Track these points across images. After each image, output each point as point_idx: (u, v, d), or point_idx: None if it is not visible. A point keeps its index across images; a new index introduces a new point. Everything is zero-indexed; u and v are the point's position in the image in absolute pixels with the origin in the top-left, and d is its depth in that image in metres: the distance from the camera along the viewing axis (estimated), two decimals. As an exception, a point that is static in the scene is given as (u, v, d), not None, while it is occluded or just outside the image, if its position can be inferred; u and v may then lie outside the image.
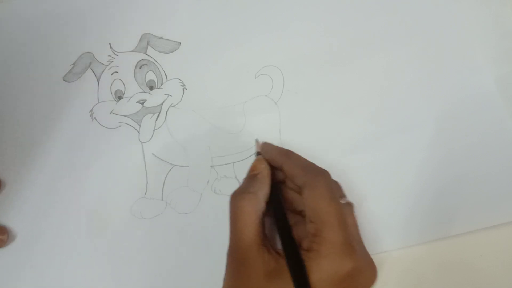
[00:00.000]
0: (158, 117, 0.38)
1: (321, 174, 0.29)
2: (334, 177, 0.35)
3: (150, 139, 0.37)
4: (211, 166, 0.36)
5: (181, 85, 0.38)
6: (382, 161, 0.36)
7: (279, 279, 0.27)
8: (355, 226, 0.30)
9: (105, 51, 0.40)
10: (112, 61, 0.39)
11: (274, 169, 0.32)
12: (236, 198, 0.29)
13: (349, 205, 0.31)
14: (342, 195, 0.32)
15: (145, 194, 0.36)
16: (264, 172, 0.31)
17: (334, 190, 0.29)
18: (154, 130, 0.38)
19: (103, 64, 0.39)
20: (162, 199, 0.36)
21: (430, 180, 0.35)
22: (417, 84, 0.38)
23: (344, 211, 0.28)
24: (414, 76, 0.38)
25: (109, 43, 0.40)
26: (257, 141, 0.35)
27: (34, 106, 0.39)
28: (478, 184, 0.35)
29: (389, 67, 0.38)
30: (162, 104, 0.38)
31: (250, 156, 0.36)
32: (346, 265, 0.27)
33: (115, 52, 0.39)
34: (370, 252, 0.33)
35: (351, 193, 0.35)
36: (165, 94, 0.38)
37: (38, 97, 0.39)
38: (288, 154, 0.32)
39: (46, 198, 0.36)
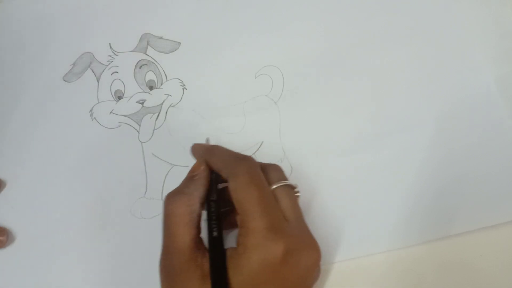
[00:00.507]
0: (158, 117, 0.38)
1: (241, 162, 0.28)
2: (333, 176, 0.35)
3: (150, 139, 0.37)
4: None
5: (181, 85, 0.38)
6: (382, 161, 0.36)
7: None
8: (293, 207, 0.29)
9: (105, 51, 0.40)
10: (112, 61, 0.39)
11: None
12: (170, 199, 0.28)
13: (288, 187, 0.29)
14: (281, 178, 0.30)
15: (145, 194, 0.36)
16: (202, 174, 0.30)
17: (256, 175, 0.28)
18: (154, 130, 0.38)
19: (103, 64, 0.39)
20: (162, 199, 0.35)
21: (430, 180, 0.35)
22: (417, 84, 0.38)
23: (268, 195, 0.27)
24: (414, 76, 0.38)
25: (109, 43, 0.40)
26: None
27: (34, 106, 0.39)
28: (478, 184, 0.35)
29: (389, 67, 0.38)
30: (162, 104, 0.38)
31: (250, 156, 0.36)
32: (275, 249, 0.25)
33: (115, 52, 0.39)
34: (370, 252, 0.33)
35: (351, 193, 0.35)
36: (165, 94, 0.38)
37: (38, 97, 0.39)
38: (211, 150, 0.31)
39: (46, 198, 0.36)
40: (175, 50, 0.39)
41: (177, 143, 0.37)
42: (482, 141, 0.36)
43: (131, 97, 0.38)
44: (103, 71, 0.39)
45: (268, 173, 0.29)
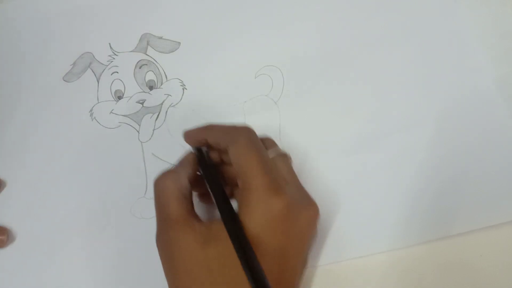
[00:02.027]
0: (158, 117, 0.38)
1: (240, 130, 0.30)
2: (333, 177, 0.35)
3: (150, 139, 0.37)
4: (211, 166, 0.36)
5: (181, 85, 0.38)
6: (382, 161, 0.36)
7: (216, 244, 0.26)
8: (290, 173, 0.30)
9: (105, 51, 0.40)
10: (112, 61, 0.39)
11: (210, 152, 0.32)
12: (159, 178, 0.29)
13: (283, 155, 0.31)
14: (273, 147, 0.31)
15: (145, 194, 0.36)
16: (189, 157, 0.32)
17: (255, 141, 0.29)
18: (154, 130, 0.38)
19: (103, 64, 0.39)
20: (162, 199, 0.36)
21: (430, 180, 0.35)
22: (417, 84, 0.37)
23: (268, 158, 0.29)
24: (414, 76, 0.38)
25: (109, 43, 0.40)
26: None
27: (34, 106, 0.39)
28: (478, 184, 0.35)
29: (389, 67, 0.38)
30: (162, 104, 0.38)
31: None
32: (277, 203, 0.27)
33: (115, 52, 0.39)
34: (370, 252, 0.33)
35: (351, 193, 0.35)
36: (165, 94, 0.38)
37: (38, 97, 0.39)
38: (208, 127, 0.32)
39: (46, 198, 0.36)
40: (175, 50, 0.39)
41: (177, 143, 0.37)
42: (482, 141, 0.36)
43: (131, 97, 0.38)
44: (103, 71, 0.39)
45: (263, 143, 0.31)
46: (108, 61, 0.39)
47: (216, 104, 0.38)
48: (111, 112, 0.38)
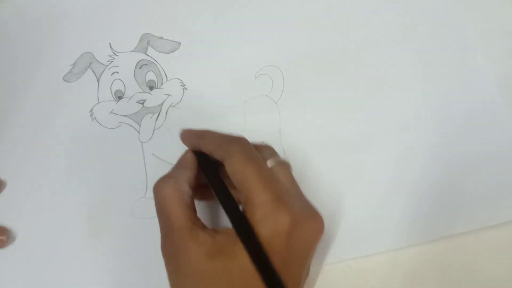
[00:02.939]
0: (158, 117, 0.38)
1: (234, 143, 0.29)
2: (334, 176, 0.35)
3: (150, 139, 0.37)
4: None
5: (181, 85, 0.38)
6: (382, 161, 0.36)
7: (221, 255, 0.26)
8: (291, 182, 0.29)
9: (105, 51, 0.40)
10: (112, 61, 0.39)
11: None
12: (157, 185, 0.29)
13: (283, 164, 0.30)
14: (272, 156, 0.30)
15: (145, 194, 0.36)
16: (188, 159, 0.30)
17: (250, 153, 0.28)
18: (154, 130, 0.38)
19: (103, 64, 0.39)
20: (162, 199, 0.36)
21: (430, 180, 0.35)
22: (417, 84, 0.38)
23: (267, 170, 0.28)
24: (415, 76, 0.38)
25: (109, 43, 0.40)
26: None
27: (34, 106, 0.39)
28: (478, 184, 0.35)
29: (389, 67, 0.38)
30: (162, 104, 0.38)
31: (250, 156, 0.36)
32: (281, 219, 0.26)
33: (115, 52, 0.39)
34: (370, 252, 0.33)
35: (351, 193, 0.35)
36: (165, 94, 0.38)
37: (38, 97, 0.39)
38: (202, 134, 0.31)
39: (46, 198, 0.36)
40: (175, 50, 0.39)
41: (177, 143, 0.37)
42: (482, 141, 0.36)
43: (131, 97, 0.38)
44: (103, 71, 0.39)
45: (261, 152, 0.30)
46: (108, 61, 0.39)
47: (216, 104, 0.38)
48: (111, 112, 0.38)
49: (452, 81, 0.37)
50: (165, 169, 0.36)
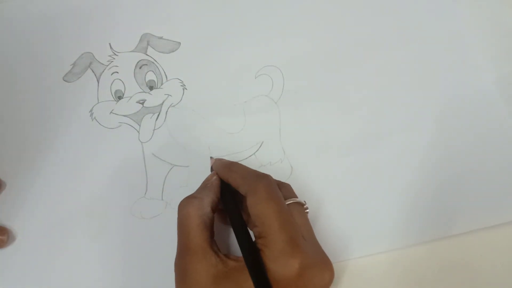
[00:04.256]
0: (158, 117, 0.38)
1: (259, 180, 0.30)
2: (333, 176, 0.35)
3: (150, 139, 0.37)
4: (211, 166, 0.36)
5: (181, 85, 0.38)
6: (382, 161, 0.36)
7: (226, 282, 0.27)
8: (305, 225, 0.30)
9: (105, 51, 0.40)
10: (112, 61, 0.39)
11: None
12: (182, 203, 0.30)
13: (299, 204, 0.31)
14: (291, 196, 0.31)
15: (145, 194, 0.36)
16: (214, 182, 0.32)
17: (273, 192, 0.29)
18: (154, 130, 0.38)
19: (103, 64, 0.39)
20: (162, 199, 0.36)
21: (430, 180, 0.35)
22: (417, 83, 0.38)
23: (286, 211, 0.28)
24: (414, 76, 0.38)
25: (109, 43, 0.40)
26: (211, 158, 0.36)
27: (34, 106, 0.39)
28: (478, 184, 0.35)
29: (389, 67, 0.38)
30: (162, 104, 0.38)
31: (250, 156, 0.36)
32: (293, 263, 0.26)
33: (115, 52, 0.39)
34: (370, 252, 0.33)
35: (351, 193, 0.35)
36: (165, 94, 0.38)
37: (38, 97, 0.39)
38: (230, 166, 0.33)
39: (46, 198, 0.36)
40: (175, 50, 0.39)
41: (177, 143, 0.37)
42: (482, 141, 0.36)
43: (131, 97, 0.38)
44: (103, 71, 0.39)
45: (281, 190, 0.30)
46: (108, 61, 0.39)
47: (216, 104, 0.38)
48: (111, 112, 0.38)
49: (452, 81, 0.37)
50: (165, 169, 0.36)
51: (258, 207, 0.28)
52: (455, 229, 0.34)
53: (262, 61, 0.39)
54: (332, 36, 0.39)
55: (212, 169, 0.34)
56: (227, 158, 0.36)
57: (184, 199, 0.31)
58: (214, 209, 0.31)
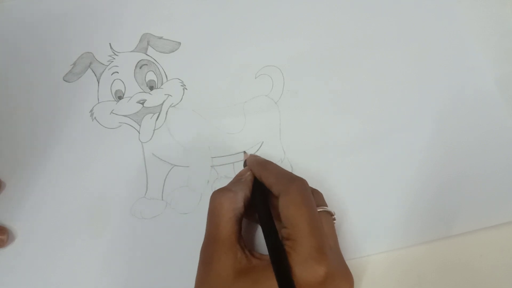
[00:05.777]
0: (158, 117, 0.38)
1: (295, 182, 0.30)
2: (333, 176, 0.35)
3: (150, 139, 0.37)
4: (211, 166, 0.36)
5: (181, 85, 0.38)
6: (382, 161, 0.36)
7: (247, 278, 0.27)
8: (332, 235, 0.30)
9: (105, 51, 0.40)
10: (112, 61, 0.39)
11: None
12: (216, 194, 0.30)
13: (328, 213, 0.31)
14: (322, 204, 0.31)
15: (145, 194, 0.36)
16: (248, 178, 0.32)
17: (307, 196, 0.29)
18: (154, 130, 0.38)
19: (103, 64, 0.39)
20: (162, 199, 0.36)
21: (430, 180, 0.35)
22: (417, 84, 0.38)
23: (318, 218, 0.28)
24: (414, 76, 0.38)
25: (109, 43, 0.40)
26: (245, 152, 0.36)
27: (34, 106, 0.39)
28: (478, 183, 0.35)
29: (389, 67, 0.38)
30: (162, 104, 0.38)
31: (250, 156, 0.36)
32: (317, 270, 0.26)
33: (115, 52, 0.39)
34: (370, 252, 0.33)
35: (351, 193, 0.35)
36: (165, 94, 0.38)
37: (38, 97, 0.39)
38: (265, 165, 0.33)
39: (46, 198, 0.36)
40: (175, 50, 0.39)
41: (177, 143, 0.37)
42: (482, 141, 0.36)
43: (131, 97, 0.38)
44: (103, 71, 0.39)
45: (313, 196, 0.30)
46: (108, 61, 0.39)
47: (216, 104, 0.38)
48: (111, 112, 0.38)
49: (452, 81, 0.37)
50: (166, 169, 0.36)
51: (291, 209, 0.28)
52: (455, 229, 0.34)
53: (262, 61, 0.39)
54: (332, 36, 0.39)
55: (245, 164, 0.34)
56: (227, 158, 0.36)
57: (217, 190, 0.31)
58: (246, 205, 0.31)
